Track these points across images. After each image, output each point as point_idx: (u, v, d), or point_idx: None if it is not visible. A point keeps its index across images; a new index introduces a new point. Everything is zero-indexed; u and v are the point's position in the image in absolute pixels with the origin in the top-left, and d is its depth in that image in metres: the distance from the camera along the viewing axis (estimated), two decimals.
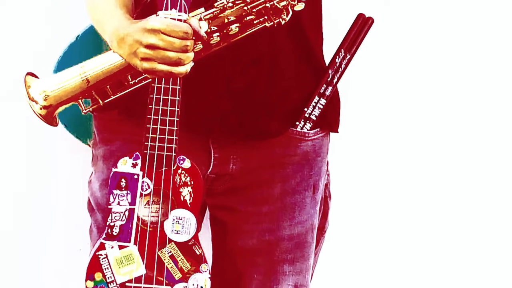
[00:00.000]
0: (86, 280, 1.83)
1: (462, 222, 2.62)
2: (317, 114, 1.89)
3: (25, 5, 2.29)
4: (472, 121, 2.57)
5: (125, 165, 1.81)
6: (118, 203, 1.81)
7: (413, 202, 2.51)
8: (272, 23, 1.75)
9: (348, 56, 1.94)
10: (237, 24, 1.74)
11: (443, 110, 2.55)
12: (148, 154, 1.79)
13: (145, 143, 1.78)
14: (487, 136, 2.58)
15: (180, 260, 1.83)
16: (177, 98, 1.76)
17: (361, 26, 1.95)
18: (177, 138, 1.78)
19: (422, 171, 2.51)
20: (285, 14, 1.75)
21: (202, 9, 1.72)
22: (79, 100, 1.82)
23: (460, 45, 2.56)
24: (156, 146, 1.78)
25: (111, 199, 1.81)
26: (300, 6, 1.74)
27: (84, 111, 1.81)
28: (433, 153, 2.52)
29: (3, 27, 2.31)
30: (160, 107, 1.77)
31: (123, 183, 1.81)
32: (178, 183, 1.81)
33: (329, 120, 1.92)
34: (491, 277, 2.67)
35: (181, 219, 1.82)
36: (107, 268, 1.83)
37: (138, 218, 1.82)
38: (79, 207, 2.00)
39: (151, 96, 1.76)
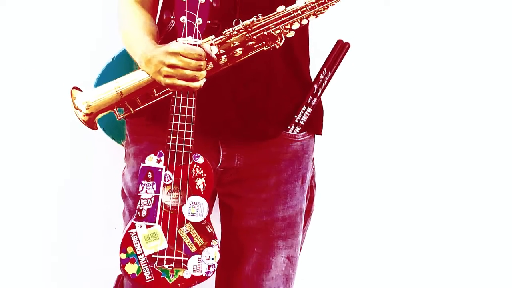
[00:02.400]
0: (120, 253, 1.83)
1: (436, 207, 2.51)
2: (304, 120, 1.91)
3: (72, 34, 2.28)
4: (451, 120, 2.47)
5: (151, 161, 1.82)
6: (146, 191, 1.82)
7: (383, 190, 2.46)
8: (269, 47, 1.77)
9: (330, 74, 1.94)
10: (241, 48, 1.76)
11: (424, 108, 2.45)
12: (169, 152, 1.79)
13: (167, 143, 1.79)
14: (469, 137, 2.49)
15: (195, 236, 1.83)
16: (193, 107, 1.76)
17: (340, 49, 1.95)
18: (192, 139, 1.79)
19: (392, 167, 2.46)
20: (279, 40, 1.77)
21: (213, 36, 1.75)
22: (114, 109, 1.84)
23: (459, 46, 2.44)
24: (176, 146, 1.79)
25: (140, 188, 1.82)
26: (291, 34, 1.76)
27: (119, 117, 1.84)
28: (402, 149, 2.45)
29: (55, 51, 2.28)
30: (180, 114, 1.77)
31: (149, 175, 1.81)
32: (193, 175, 1.81)
33: (314, 125, 1.94)
34: (475, 271, 2.56)
35: (196, 204, 1.83)
36: (137, 243, 1.83)
37: (161, 203, 1.82)
38: (115, 194, 2.01)
39: (172, 105, 1.77)
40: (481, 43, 2.44)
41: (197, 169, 1.81)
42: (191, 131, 1.77)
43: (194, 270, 1.83)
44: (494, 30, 2.44)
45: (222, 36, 1.73)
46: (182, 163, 1.79)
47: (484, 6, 2.44)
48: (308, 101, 1.90)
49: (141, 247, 1.82)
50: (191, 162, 1.79)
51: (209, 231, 1.83)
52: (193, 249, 1.82)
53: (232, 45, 1.74)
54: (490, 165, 2.50)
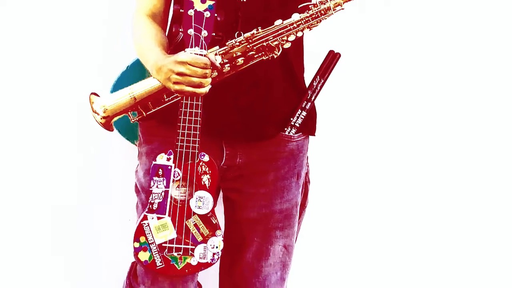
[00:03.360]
0: (133, 242, 1.84)
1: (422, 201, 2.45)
2: (299, 123, 1.91)
3: (91, 45, 2.27)
4: (437, 118, 2.42)
5: (161, 159, 1.82)
6: (157, 186, 1.82)
7: (372, 186, 2.43)
8: (267, 57, 1.77)
9: (322, 81, 1.93)
10: (242, 58, 1.76)
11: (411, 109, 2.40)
12: (178, 151, 1.79)
13: (176, 143, 1.79)
14: (456, 137, 2.43)
15: (201, 227, 1.83)
16: (199, 111, 1.76)
17: (332, 59, 1.94)
18: (199, 139, 1.79)
19: (381, 165, 2.42)
20: (277, 50, 1.77)
21: (217, 47, 1.75)
22: (129, 112, 1.84)
23: (446, 52, 2.38)
24: (184, 145, 1.79)
25: (152, 184, 1.82)
26: (287, 45, 1.76)
27: (132, 120, 1.85)
28: (390, 149, 2.42)
29: (76, 60, 2.27)
30: (187, 117, 1.77)
31: (160, 172, 1.81)
32: (200, 172, 1.82)
33: (309, 127, 1.94)
34: (463, 268, 2.50)
35: (202, 198, 1.83)
36: (149, 233, 1.83)
37: (171, 197, 1.82)
38: (129, 189, 2.02)
39: (180, 109, 1.76)
40: (467, 55, 2.37)
41: (203, 166, 1.81)
42: (198, 132, 1.77)
43: (200, 257, 1.83)
44: (482, 37, 2.37)
45: (226, 47, 1.74)
46: (190, 161, 1.79)
47: (482, 10, 2.35)
48: (303, 105, 1.90)
49: (152, 236, 1.82)
50: (198, 160, 1.80)
51: (214, 222, 1.82)
52: (199, 238, 1.82)
53: (234, 55, 1.74)
54: (477, 163, 2.45)
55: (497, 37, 2.38)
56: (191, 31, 1.66)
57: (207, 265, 1.83)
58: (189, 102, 1.75)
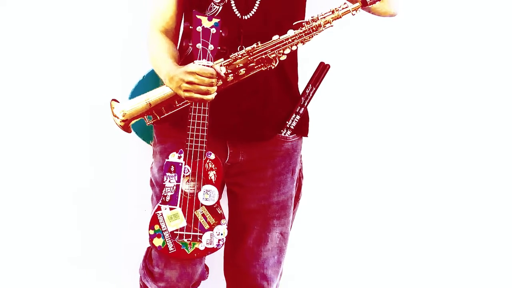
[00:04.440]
0: (149, 230, 1.85)
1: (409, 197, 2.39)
2: (294, 125, 1.91)
3: (113, 58, 2.25)
4: (421, 116, 2.35)
5: (173, 157, 1.82)
6: (169, 181, 1.82)
7: (359, 181, 2.38)
8: (266, 67, 1.78)
9: (314, 89, 1.93)
10: (244, 69, 1.77)
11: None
12: (188, 150, 1.80)
13: (186, 143, 1.80)
14: (437, 138, 2.36)
15: (208, 217, 1.84)
16: (206, 115, 1.78)
17: (322, 69, 1.95)
18: (206, 140, 1.80)
19: (367, 163, 2.37)
20: (274, 62, 1.78)
21: (222, 59, 1.77)
22: (145, 116, 1.84)
23: (457, 48, 2.29)
24: (193, 145, 1.80)
25: (165, 179, 1.82)
26: (283, 57, 1.77)
27: (148, 123, 1.85)
28: (376, 148, 2.36)
29: (102, 71, 2.25)
30: (196, 121, 1.78)
31: (172, 168, 1.82)
32: (207, 168, 1.82)
33: (302, 129, 1.95)
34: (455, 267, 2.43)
35: (209, 191, 1.83)
36: (162, 222, 1.83)
37: (181, 190, 1.82)
38: (144, 184, 2.02)
39: (189, 113, 1.78)
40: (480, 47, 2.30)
41: (209, 163, 1.81)
42: (205, 134, 1.78)
43: (207, 243, 1.83)
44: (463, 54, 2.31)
45: (229, 59, 1.75)
46: (198, 159, 1.80)
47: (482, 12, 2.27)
48: (297, 110, 1.90)
49: (165, 225, 1.82)
50: (205, 158, 1.80)
51: (219, 212, 1.83)
52: (206, 226, 1.83)
53: (237, 66, 1.76)
54: (463, 164, 2.38)
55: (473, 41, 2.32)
56: (199, 45, 1.67)
57: (213, 250, 1.84)
58: (197, 107, 1.76)
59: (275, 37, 1.75)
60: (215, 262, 2.06)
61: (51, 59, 2.26)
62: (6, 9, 2.23)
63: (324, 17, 1.74)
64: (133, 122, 1.84)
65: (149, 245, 1.88)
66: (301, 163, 2.00)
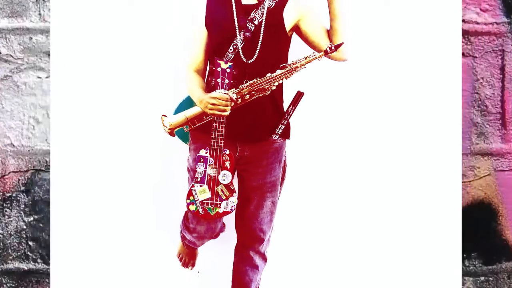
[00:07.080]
0: (186, 199, 1.95)
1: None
2: (281, 132, 2.00)
3: (167, 88, 2.22)
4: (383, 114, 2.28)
5: (202, 152, 1.91)
6: (199, 168, 1.91)
7: (330, 169, 2.31)
8: (262, 94, 1.89)
9: (293, 108, 2.00)
10: (248, 95, 1.89)
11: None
12: (211, 148, 1.89)
13: (210, 143, 1.89)
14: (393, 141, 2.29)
15: (224, 191, 1.93)
16: (223, 125, 1.88)
17: (298, 95, 2.00)
18: (223, 141, 1.88)
19: (333, 159, 2.31)
20: (268, 90, 1.89)
21: (234, 89, 1.88)
22: (184, 126, 1.94)
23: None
24: (215, 144, 1.89)
25: (197, 166, 1.91)
26: (274, 87, 1.89)
27: (186, 130, 1.96)
28: (341, 149, 2.30)
29: (159, 97, 2.23)
30: (217, 129, 1.87)
31: (201, 160, 1.91)
32: (224, 160, 1.91)
33: (286, 134, 2.03)
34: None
35: (225, 174, 1.92)
36: (195, 194, 1.93)
37: (208, 174, 1.91)
38: (183, 171, 2.09)
39: (213, 124, 1.87)
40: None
41: (225, 156, 1.91)
42: (223, 137, 1.88)
43: (224, 208, 1.93)
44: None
45: (238, 89, 1.87)
46: (218, 154, 1.89)
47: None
48: (283, 122, 1.98)
49: (197, 196, 1.92)
50: (222, 153, 1.90)
51: (232, 188, 1.93)
52: (224, 197, 1.93)
53: (243, 93, 1.86)
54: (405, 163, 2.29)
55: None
56: (219, 80, 1.82)
57: (228, 213, 1.97)
58: (218, 119, 1.86)
59: (268, 75, 1.88)
60: (229, 222, 2.16)
61: (125, 82, 2.27)
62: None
63: (300, 61, 1.87)
64: (176, 129, 1.94)
65: (186, 209, 2.01)
66: (285, 156, 2.14)
